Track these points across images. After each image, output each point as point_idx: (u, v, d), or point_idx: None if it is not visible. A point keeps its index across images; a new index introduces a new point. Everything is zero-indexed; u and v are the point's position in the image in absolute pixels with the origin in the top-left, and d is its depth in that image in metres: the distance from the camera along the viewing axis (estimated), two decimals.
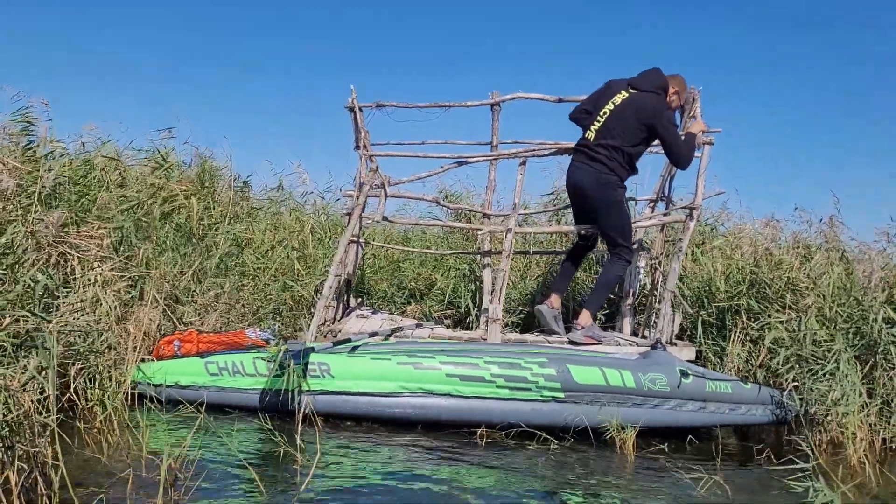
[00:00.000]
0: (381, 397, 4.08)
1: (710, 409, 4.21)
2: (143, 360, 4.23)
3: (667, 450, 3.98)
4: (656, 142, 4.90)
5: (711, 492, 3.28)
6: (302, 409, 3.93)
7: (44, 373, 3.20)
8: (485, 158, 5.42)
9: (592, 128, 4.82)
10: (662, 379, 4.13)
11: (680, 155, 4.67)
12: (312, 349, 4.14)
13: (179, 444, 3.17)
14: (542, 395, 4.08)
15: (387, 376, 4.08)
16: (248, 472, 3.07)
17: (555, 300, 5.06)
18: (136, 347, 4.16)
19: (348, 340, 4.42)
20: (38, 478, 2.65)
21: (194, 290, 4.84)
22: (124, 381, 3.93)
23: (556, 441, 3.94)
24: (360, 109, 5.53)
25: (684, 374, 4.17)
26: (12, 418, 2.60)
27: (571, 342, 4.83)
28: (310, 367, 4.06)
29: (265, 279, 5.81)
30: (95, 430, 3.41)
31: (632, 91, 4.82)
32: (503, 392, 4.07)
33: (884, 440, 4.03)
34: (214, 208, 5.97)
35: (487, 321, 5.00)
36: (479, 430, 4.02)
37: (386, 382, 4.08)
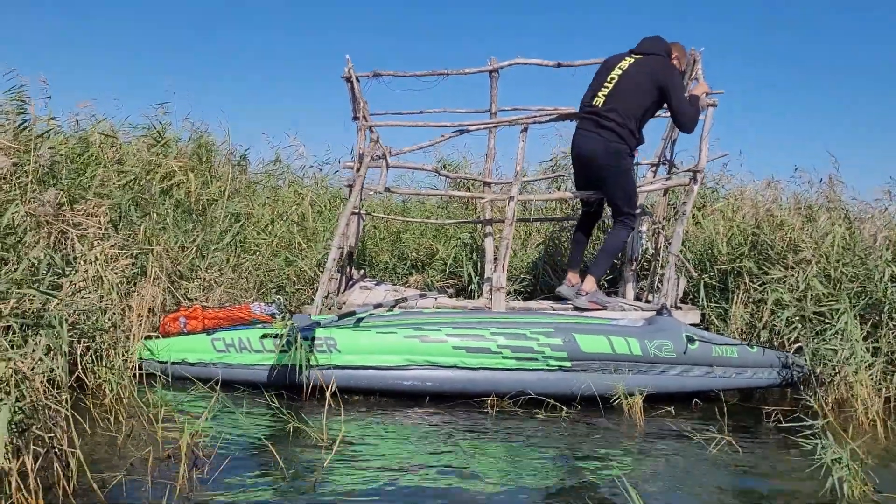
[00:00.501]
0: (388, 370, 4.08)
1: (716, 374, 4.23)
2: (148, 337, 4.23)
3: (673, 413, 4.01)
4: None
5: (723, 451, 3.32)
6: (310, 385, 3.95)
7: (53, 354, 3.21)
8: (486, 126, 5.38)
9: (600, 94, 4.76)
10: (669, 345, 4.14)
11: (687, 117, 4.63)
12: (318, 324, 4.13)
13: (194, 423, 3.18)
14: (548, 365, 4.09)
15: (393, 349, 4.08)
16: (265, 450, 3.08)
17: (572, 277, 5.05)
18: (140, 324, 4.15)
19: (353, 313, 4.42)
20: (55, 461, 2.65)
21: (198, 266, 4.82)
22: (130, 358, 3.93)
23: (565, 408, 3.96)
24: (357, 79, 5.46)
25: (690, 339, 4.19)
26: (27, 403, 2.59)
27: (576, 308, 4.84)
28: (316, 342, 4.06)
29: (266, 254, 5.78)
30: (105, 409, 3.41)
31: (637, 56, 4.76)
32: (509, 363, 4.08)
33: (887, 399, 4.06)
34: (213, 183, 5.91)
35: (491, 290, 5.00)
36: (490, 400, 4.04)
37: (392, 356, 4.08)
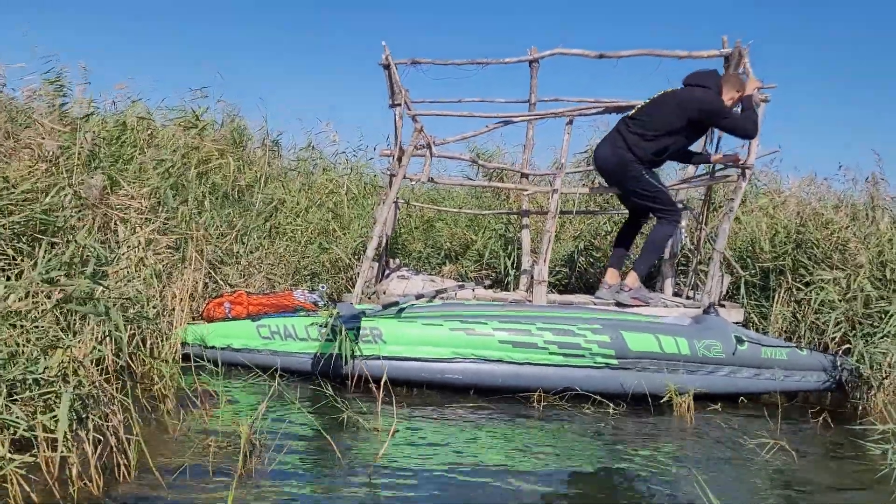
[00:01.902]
0: (433, 363, 4.05)
1: (765, 376, 4.18)
2: (191, 321, 4.21)
3: (720, 410, 3.96)
4: None
5: (776, 457, 3.26)
6: (355, 375, 3.92)
7: (107, 341, 3.20)
8: (532, 118, 5.31)
9: (634, 112, 4.77)
10: (718, 346, 4.09)
11: (741, 131, 4.57)
12: (363, 313, 4.10)
13: (250, 412, 3.16)
14: (595, 362, 4.05)
15: (440, 342, 4.05)
16: (321, 438, 3.06)
17: (610, 276, 5.00)
18: (183, 309, 4.13)
19: (396, 303, 4.39)
20: (113, 448, 2.64)
21: (238, 252, 4.79)
22: (175, 344, 3.92)
23: (612, 405, 3.93)
24: (395, 66, 5.40)
25: (739, 340, 4.13)
26: (85, 391, 2.57)
27: (618, 304, 4.79)
28: (361, 331, 4.03)
29: (302, 241, 5.76)
30: (155, 397, 3.39)
31: (679, 87, 4.72)
32: (556, 358, 4.04)
33: None
34: (249, 168, 5.88)
35: (532, 282, 4.96)
36: (536, 394, 4.00)
37: (439, 348, 4.05)
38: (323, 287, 4.64)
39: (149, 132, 5.56)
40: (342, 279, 6.02)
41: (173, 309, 4.04)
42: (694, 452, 3.34)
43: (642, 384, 4.02)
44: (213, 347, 4.14)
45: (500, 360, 4.05)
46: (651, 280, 5.87)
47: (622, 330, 4.07)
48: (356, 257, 5.98)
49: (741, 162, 4.77)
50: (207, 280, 4.48)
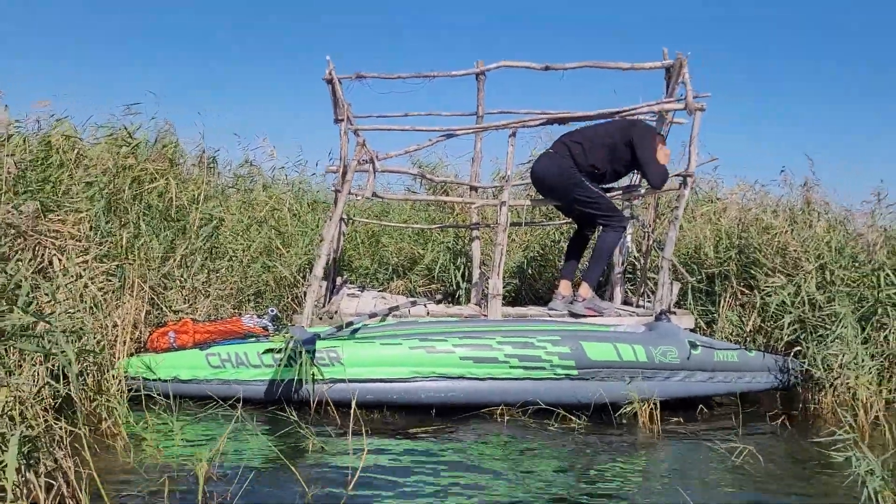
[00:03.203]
0: (393, 383, 3.96)
1: (717, 379, 4.24)
2: (133, 353, 4.00)
3: (683, 421, 4.00)
4: None
5: (745, 461, 3.29)
6: (315, 400, 3.79)
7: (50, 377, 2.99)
8: (475, 130, 5.27)
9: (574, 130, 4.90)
10: (673, 351, 4.13)
11: (656, 174, 4.68)
12: (318, 336, 3.98)
13: (201, 443, 3.00)
14: (555, 374, 4.03)
15: (399, 362, 3.96)
16: (283, 470, 2.93)
17: (563, 287, 4.99)
18: (125, 341, 3.92)
19: (350, 324, 4.28)
20: (65, 493, 2.45)
21: (181, 276, 4.59)
22: (119, 378, 3.70)
23: (575, 419, 3.91)
24: (339, 81, 5.29)
25: (693, 345, 4.19)
26: (37, 433, 2.39)
27: (573, 314, 4.80)
28: (318, 354, 3.90)
29: (244, 260, 5.57)
30: (104, 433, 3.19)
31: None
32: (517, 372, 4.01)
33: (887, 401, 4.13)
34: (182, 187, 5.66)
35: (487, 296, 4.91)
36: (499, 410, 3.95)
37: (398, 368, 3.96)
38: (272, 311, 4.49)
39: (75, 151, 5.29)
40: (287, 298, 5.86)
41: (115, 340, 3.83)
42: (662, 463, 3.35)
43: (602, 394, 4.02)
44: (158, 380, 3.93)
45: (461, 377, 3.99)
46: (600, 289, 5.91)
47: (581, 340, 4.07)
48: (301, 275, 5.83)
49: (683, 171, 4.85)
50: (150, 307, 4.27)
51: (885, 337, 4.29)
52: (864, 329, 4.27)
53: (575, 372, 4.03)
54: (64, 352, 2.58)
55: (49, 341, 2.65)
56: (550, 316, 4.87)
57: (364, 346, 3.98)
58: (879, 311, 4.35)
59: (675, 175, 4.85)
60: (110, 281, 4.15)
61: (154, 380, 3.91)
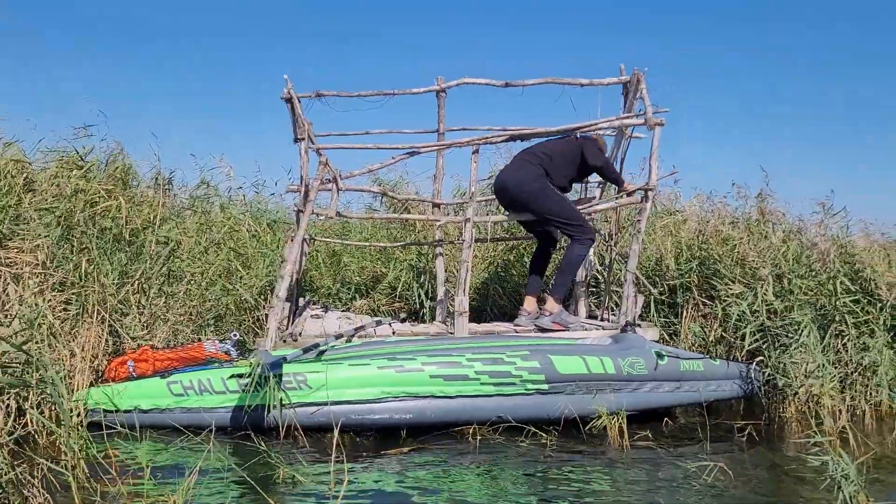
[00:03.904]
0: (362, 405, 3.89)
1: (684, 389, 4.28)
2: (93, 384, 3.87)
3: (651, 435, 4.01)
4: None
5: (716, 478, 3.27)
6: (284, 425, 3.71)
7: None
8: (438, 148, 5.27)
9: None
10: (641, 363, 4.15)
11: (616, 176, 4.94)
12: (285, 359, 3.89)
13: (168, 476, 2.89)
14: (525, 389, 4.01)
15: (368, 382, 3.89)
16: (257, 502, 2.84)
17: (528, 303, 5.00)
18: (84, 370, 3.78)
19: (316, 345, 4.21)
20: None
21: (140, 302, 4.45)
22: (78, 410, 3.56)
23: (546, 435, 3.90)
24: (298, 100, 5.24)
25: (660, 355, 4.22)
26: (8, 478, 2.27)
27: (540, 329, 4.80)
28: (284, 378, 3.81)
29: (203, 283, 5.45)
30: (64, 470, 3.05)
31: None
32: (487, 388, 3.98)
33: (850, 408, 4.21)
34: (142, 209, 5.52)
35: (451, 313, 4.89)
36: (471, 430, 3.92)
37: (367, 389, 3.89)
38: (234, 335, 4.38)
39: (24, 175, 5.11)
40: (248, 321, 5.74)
41: (74, 370, 3.69)
42: (634, 478, 3.34)
43: (571, 408, 4.02)
44: (118, 411, 3.80)
45: (431, 396, 3.94)
46: (564, 303, 5.94)
47: (550, 354, 4.07)
48: (262, 297, 5.72)
49: (644, 184, 4.91)
50: (108, 335, 4.13)
51: (844, 344, 4.39)
52: (822, 337, 4.36)
53: (545, 386, 4.02)
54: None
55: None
56: (517, 330, 4.87)
57: (332, 369, 3.91)
58: (837, 318, 4.46)
59: (638, 189, 4.90)
60: (67, 310, 4.02)
61: (114, 411, 3.78)
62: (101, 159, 6.02)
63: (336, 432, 3.27)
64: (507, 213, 5.21)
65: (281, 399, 3.71)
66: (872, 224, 5.65)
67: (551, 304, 4.84)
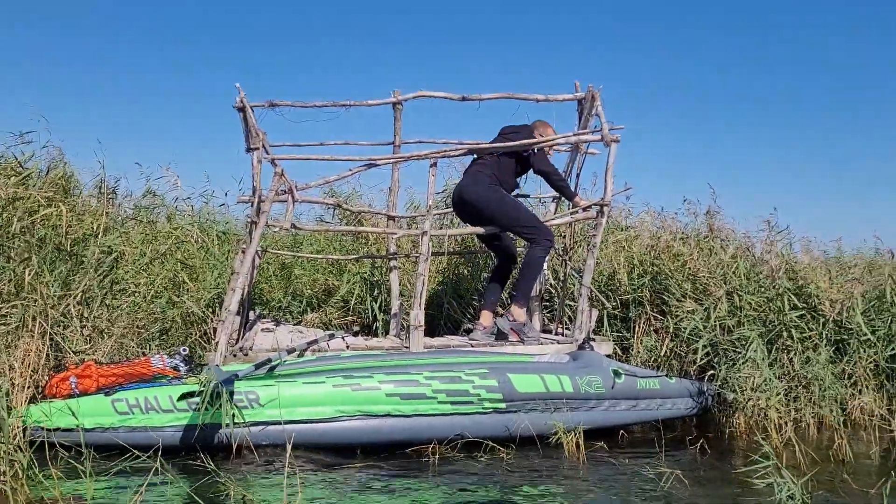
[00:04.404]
0: (316, 424, 3.80)
1: (641, 407, 4.30)
2: (32, 401, 3.68)
3: (607, 447, 4.02)
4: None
5: (673, 486, 3.32)
6: (235, 445, 3.58)
7: None
8: (396, 160, 5.21)
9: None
10: (598, 381, 4.16)
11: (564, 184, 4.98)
12: (236, 376, 3.77)
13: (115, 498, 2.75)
14: (483, 408, 3.98)
15: (323, 401, 3.80)
16: None
17: (485, 318, 4.98)
18: (24, 386, 3.60)
19: (268, 361, 4.10)
20: None
21: (83, 315, 4.26)
22: (17, 427, 3.38)
23: (503, 449, 3.87)
24: (252, 109, 5.13)
25: (617, 374, 4.23)
26: None
27: (498, 333, 4.80)
28: (236, 397, 3.69)
29: (148, 296, 5.26)
30: (2, 494, 2.89)
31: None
32: (445, 407, 3.93)
33: (795, 420, 4.30)
34: (84, 218, 5.30)
35: (408, 327, 4.83)
36: (431, 447, 3.86)
37: (322, 407, 3.80)
38: (183, 350, 4.24)
39: None
40: (195, 334, 5.56)
41: (13, 385, 3.50)
42: (592, 490, 3.34)
43: (529, 425, 4.00)
44: (59, 429, 3.61)
45: (387, 415, 3.87)
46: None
47: (509, 373, 4.04)
48: (210, 310, 5.56)
49: (600, 200, 4.95)
50: (49, 349, 3.94)
51: (790, 358, 4.50)
52: (770, 351, 4.46)
53: (503, 405, 3.99)
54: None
55: None
56: (472, 345, 4.84)
57: (285, 386, 3.80)
58: (784, 333, 4.56)
59: (594, 204, 4.93)
60: (6, 323, 3.83)
61: (54, 429, 3.59)
62: (41, 167, 5.79)
63: (289, 450, 3.16)
64: (464, 224, 5.20)
65: (234, 416, 3.58)
66: (812, 241, 5.87)
67: (516, 312, 4.85)
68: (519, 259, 5.31)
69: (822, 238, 6.22)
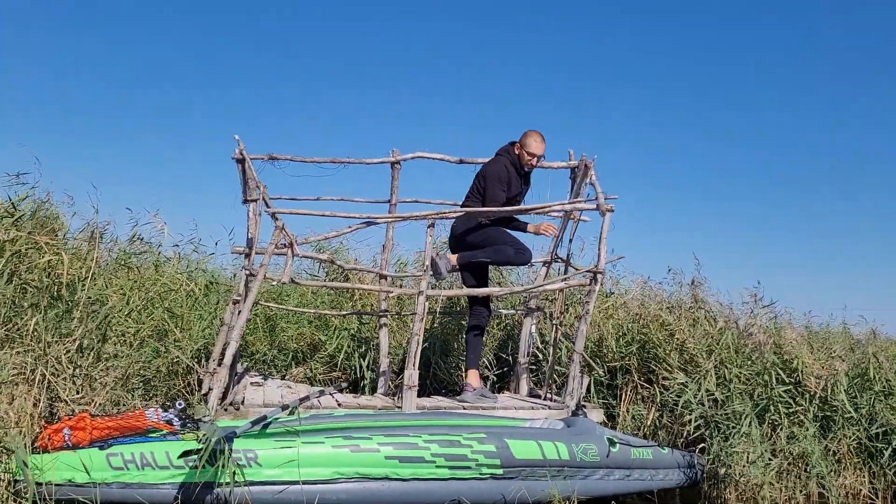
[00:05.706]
0: (314, 485, 3.74)
1: (634, 477, 4.33)
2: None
3: None
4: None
5: None
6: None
7: None
8: (395, 220, 5.28)
9: None
10: (594, 449, 4.19)
11: (493, 198, 5.02)
12: (235, 433, 3.71)
13: None
14: (480, 473, 3.97)
15: (321, 462, 3.75)
16: None
17: (472, 377, 5.00)
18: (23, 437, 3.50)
19: (264, 418, 4.05)
20: None
21: (76, 363, 4.17)
22: (6, 480, 3.28)
23: None
24: (250, 161, 5.16)
25: (612, 442, 4.27)
26: None
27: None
28: (234, 455, 3.63)
29: (134, 344, 5.16)
30: None
31: None
32: (442, 472, 3.91)
33: (788, 498, 4.37)
34: (73, 263, 5.21)
35: (398, 386, 4.84)
36: None
37: (320, 469, 3.75)
38: (179, 403, 4.16)
39: None
40: (178, 385, 5.46)
41: (3, 437, 3.40)
42: None
43: (525, 493, 4.00)
44: (49, 483, 3.50)
45: (385, 478, 3.84)
46: (505, 380, 5.97)
47: (507, 438, 4.04)
48: (196, 361, 5.47)
49: (593, 267, 5.04)
50: (39, 399, 3.84)
51: (778, 434, 4.58)
52: (760, 425, 4.54)
53: (500, 471, 3.99)
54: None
55: None
56: (465, 408, 4.84)
57: (284, 445, 3.75)
58: (771, 408, 4.66)
59: (587, 271, 5.02)
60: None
61: (45, 483, 3.48)
62: (29, 209, 5.71)
63: None
64: (461, 285, 5.26)
65: (234, 475, 3.52)
66: (792, 313, 6.03)
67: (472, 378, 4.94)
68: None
69: (794, 308, 6.41)
